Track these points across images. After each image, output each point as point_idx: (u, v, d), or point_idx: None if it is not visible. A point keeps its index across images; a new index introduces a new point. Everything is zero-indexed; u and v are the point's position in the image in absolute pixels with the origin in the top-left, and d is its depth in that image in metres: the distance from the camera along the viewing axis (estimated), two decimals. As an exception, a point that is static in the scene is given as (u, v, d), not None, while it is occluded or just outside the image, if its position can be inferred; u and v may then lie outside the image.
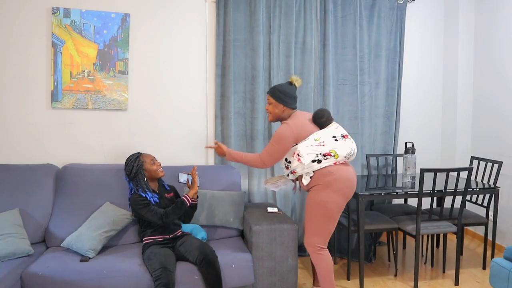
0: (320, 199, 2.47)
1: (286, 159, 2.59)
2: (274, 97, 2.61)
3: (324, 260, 2.54)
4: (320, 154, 2.46)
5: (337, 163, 2.51)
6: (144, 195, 2.55)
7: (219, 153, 2.75)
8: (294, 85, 2.64)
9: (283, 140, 2.49)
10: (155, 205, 2.57)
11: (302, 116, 2.62)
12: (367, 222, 3.04)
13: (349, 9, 3.66)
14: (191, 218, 2.76)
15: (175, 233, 2.64)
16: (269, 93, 2.64)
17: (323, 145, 2.47)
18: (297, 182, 2.74)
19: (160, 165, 2.70)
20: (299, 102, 3.59)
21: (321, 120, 2.59)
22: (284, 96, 2.59)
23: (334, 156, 2.47)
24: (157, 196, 2.63)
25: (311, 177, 2.52)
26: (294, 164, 2.52)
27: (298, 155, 2.49)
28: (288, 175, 2.66)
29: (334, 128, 2.58)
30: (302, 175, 2.57)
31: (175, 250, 2.55)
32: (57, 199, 2.87)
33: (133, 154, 2.67)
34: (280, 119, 2.66)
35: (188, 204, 2.59)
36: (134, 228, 2.80)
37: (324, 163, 2.48)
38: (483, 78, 3.95)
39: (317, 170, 2.49)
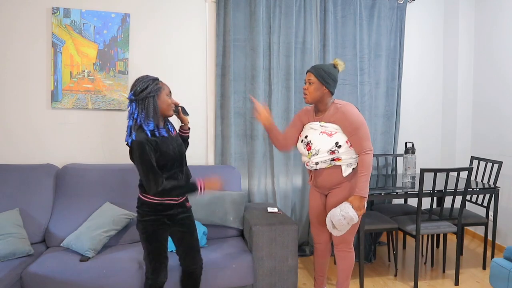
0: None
1: (336, 143, 2.34)
2: (318, 76, 2.32)
3: (352, 258, 2.56)
4: None
5: None
6: (146, 129, 1.97)
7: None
8: (337, 68, 2.39)
9: (361, 117, 2.36)
10: (163, 140, 2.04)
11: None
12: (367, 222, 3.04)
13: (349, 9, 3.66)
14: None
15: (182, 199, 2.19)
16: (312, 72, 2.34)
17: None
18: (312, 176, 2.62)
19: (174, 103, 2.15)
20: (300, 102, 3.59)
21: None
22: (328, 77, 2.32)
23: None
24: (165, 130, 2.09)
25: (353, 169, 2.41)
26: (344, 149, 2.36)
27: None
28: (326, 161, 2.39)
29: None
30: (327, 166, 2.41)
31: (172, 231, 2.20)
32: (57, 199, 2.87)
33: (150, 75, 2.05)
34: (317, 103, 2.41)
35: (199, 193, 2.09)
36: (134, 227, 2.79)
37: None
38: (483, 78, 3.95)
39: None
